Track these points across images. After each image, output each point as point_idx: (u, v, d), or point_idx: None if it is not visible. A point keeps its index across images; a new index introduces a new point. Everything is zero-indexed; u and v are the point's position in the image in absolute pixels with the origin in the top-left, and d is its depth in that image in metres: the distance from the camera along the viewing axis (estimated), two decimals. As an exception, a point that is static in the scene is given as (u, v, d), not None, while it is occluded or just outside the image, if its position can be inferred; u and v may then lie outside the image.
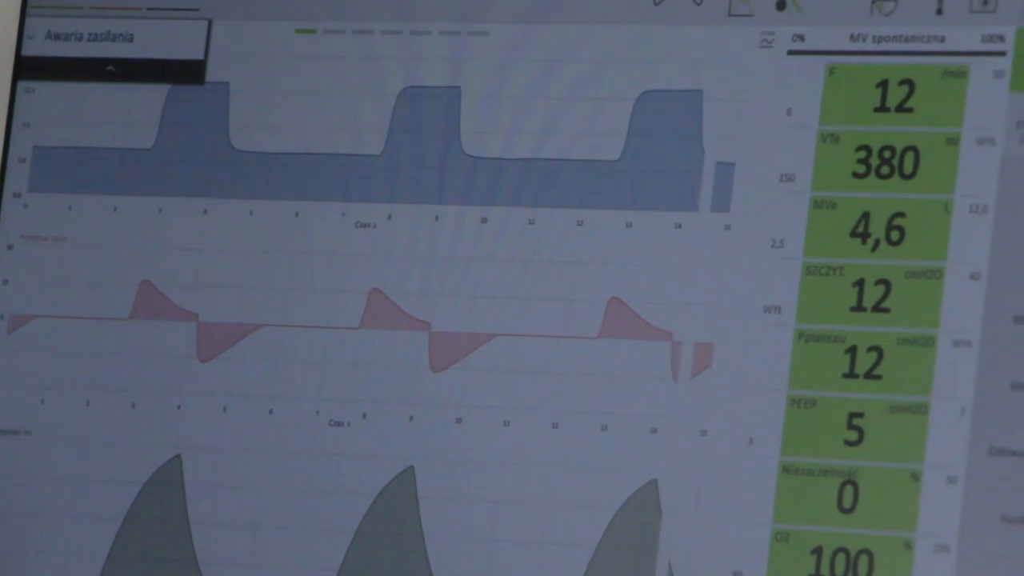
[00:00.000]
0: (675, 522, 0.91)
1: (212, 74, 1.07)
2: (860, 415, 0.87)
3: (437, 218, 1.00)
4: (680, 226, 0.94)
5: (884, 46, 0.90)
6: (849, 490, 0.87)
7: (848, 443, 0.87)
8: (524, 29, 1.00)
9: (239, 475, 1.02)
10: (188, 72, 1.07)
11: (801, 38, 0.92)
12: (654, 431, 0.92)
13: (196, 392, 1.04)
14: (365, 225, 1.02)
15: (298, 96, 1.04)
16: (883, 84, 0.90)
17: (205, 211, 1.05)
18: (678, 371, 0.93)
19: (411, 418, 0.99)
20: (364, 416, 1.00)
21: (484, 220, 0.99)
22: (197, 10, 1.07)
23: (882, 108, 0.90)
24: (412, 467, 0.98)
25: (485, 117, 1.00)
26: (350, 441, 1.00)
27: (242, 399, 1.03)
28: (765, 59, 0.93)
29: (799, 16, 0.92)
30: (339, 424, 1.00)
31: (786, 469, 0.88)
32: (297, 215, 1.03)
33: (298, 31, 1.05)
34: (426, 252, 1.00)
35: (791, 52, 0.92)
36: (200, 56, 1.07)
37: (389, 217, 1.01)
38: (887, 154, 0.89)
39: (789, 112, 0.92)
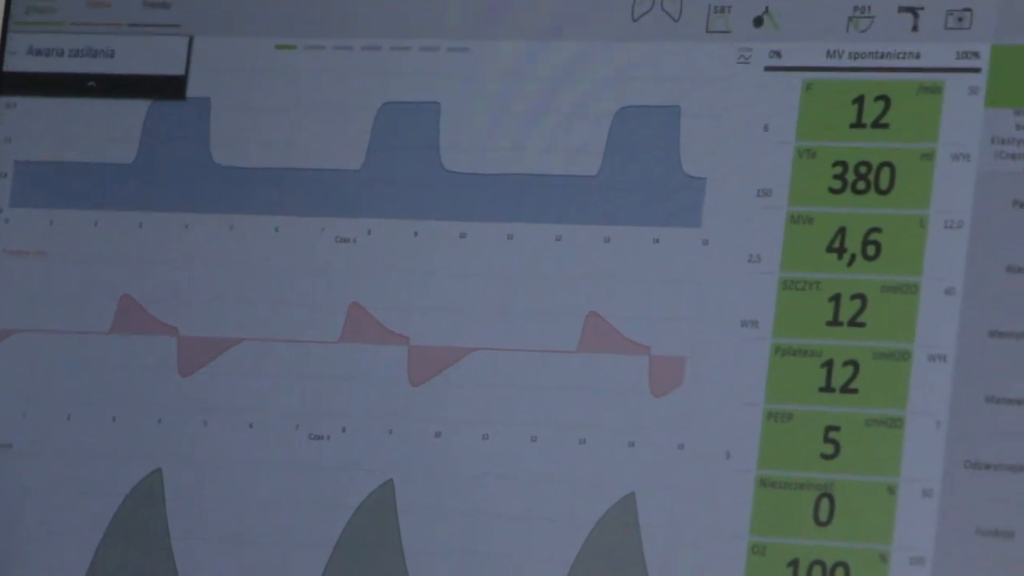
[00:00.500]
0: (653, 535, 0.90)
1: (193, 89, 1.06)
2: (836, 428, 0.87)
3: (416, 233, 1.00)
4: (658, 241, 0.93)
5: (860, 62, 0.90)
6: (825, 503, 0.86)
7: (824, 456, 0.87)
8: (502, 45, 1.00)
9: (219, 488, 1.02)
10: (169, 88, 1.07)
11: (778, 54, 0.92)
12: (632, 445, 0.92)
13: (177, 406, 1.03)
14: (345, 240, 1.01)
15: (278, 111, 1.04)
16: (859, 100, 0.90)
17: (186, 226, 1.05)
18: (655, 385, 0.92)
19: (390, 431, 0.98)
20: (344, 430, 0.99)
21: (463, 235, 0.99)
22: (178, 26, 1.07)
23: (858, 124, 0.90)
24: (391, 480, 0.98)
25: (464, 133, 1.00)
26: (330, 454, 1.00)
27: (222, 413, 1.02)
28: (742, 75, 0.93)
29: (776, 33, 0.92)
30: (319, 437, 1.00)
31: (763, 482, 0.88)
32: (277, 230, 1.03)
33: (278, 47, 1.04)
34: (405, 266, 1.00)
35: (768, 68, 0.92)
36: (181, 72, 1.06)
37: (369, 232, 1.01)
38: (863, 169, 0.89)
39: (766, 128, 0.92)
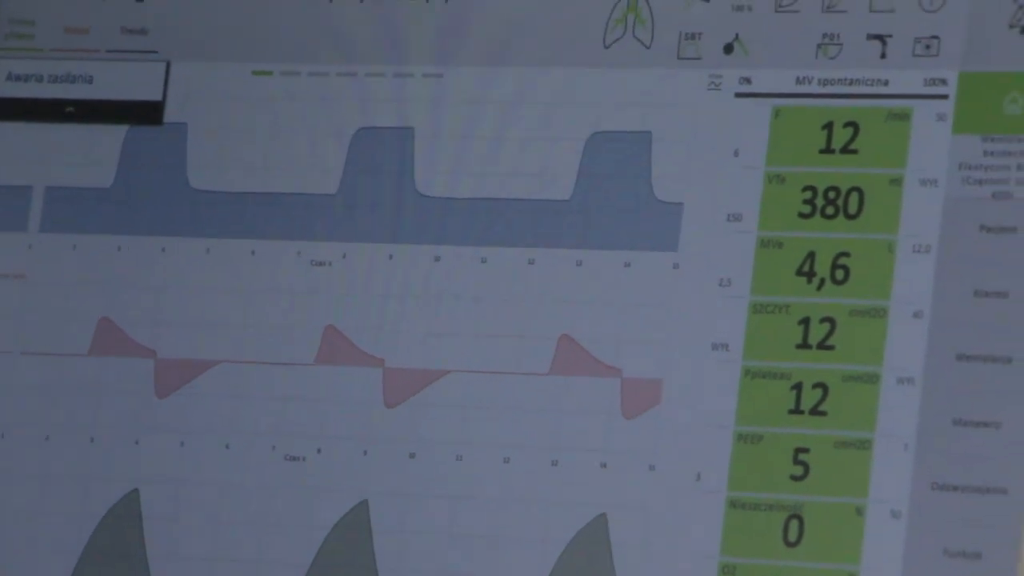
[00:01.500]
0: (624, 555, 0.90)
1: (170, 115, 1.06)
2: (805, 450, 0.86)
3: (391, 256, 0.99)
4: (629, 265, 0.93)
5: (829, 88, 0.90)
6: (794, 524, 0.86)
7: (794, 478, 0.87)
8: (476, 71, 0.99)
9: (196, 509, 1.01)
10: (147, 113, 1.06)
11: (748, 81, 0.92)
12: (604, 466, 0.91)
13: (154, 427, 1.02)
14: (320, 263, 1.01)
15: (255, 136, 1.04)
16: (828, 126, 0.90)
17: (163, 249, 1.04)
18: (627, 407, 0.92)
19: (365, 453, 0.98)
20: (319, 451, 0.99)
21: (437, 259, 0.98)
22: (156, 52, 1.06)
23: (827, 150, 0.90)
24: (366, 501, 0.97)
25: (438, 157, 0.99)
26: (305, 475, 0.99)
27: (199, 434, 1.01)
28: (713, 101, 0.92)
29: (746, 59, 0.92)
30: (295, 459, 0.99)
31: (733, 503, 0.88)
32: (254, 253, 1.02)
33: (255, 73, 1.04)
34: (380, 290, 0.99)
35: (738, 95, 0.92)
36: (159, 97, 1.06)
37: (344, 256, 1.00)
38: (832, 195, 0.89)
39: (736, 153, 0.91)
